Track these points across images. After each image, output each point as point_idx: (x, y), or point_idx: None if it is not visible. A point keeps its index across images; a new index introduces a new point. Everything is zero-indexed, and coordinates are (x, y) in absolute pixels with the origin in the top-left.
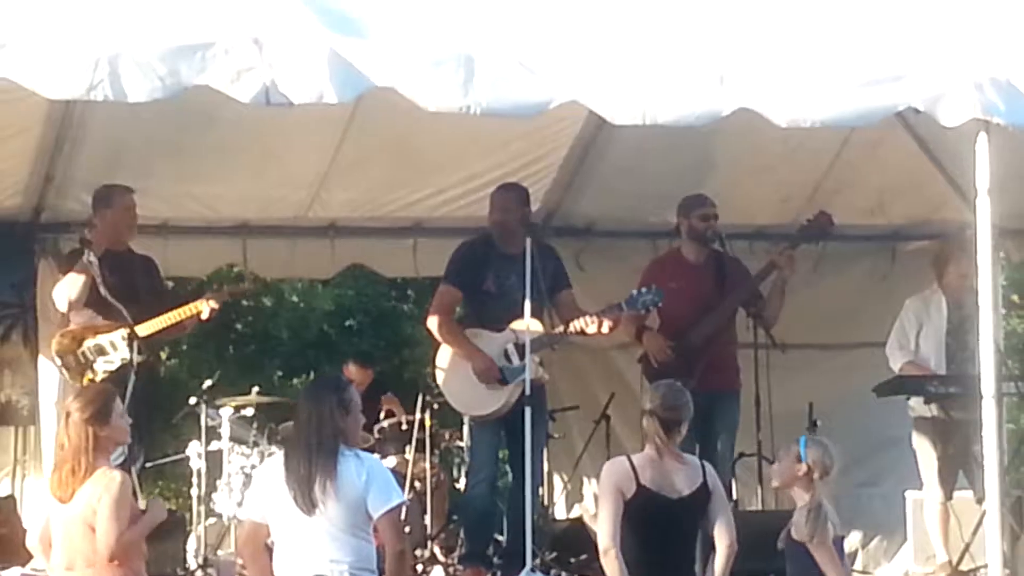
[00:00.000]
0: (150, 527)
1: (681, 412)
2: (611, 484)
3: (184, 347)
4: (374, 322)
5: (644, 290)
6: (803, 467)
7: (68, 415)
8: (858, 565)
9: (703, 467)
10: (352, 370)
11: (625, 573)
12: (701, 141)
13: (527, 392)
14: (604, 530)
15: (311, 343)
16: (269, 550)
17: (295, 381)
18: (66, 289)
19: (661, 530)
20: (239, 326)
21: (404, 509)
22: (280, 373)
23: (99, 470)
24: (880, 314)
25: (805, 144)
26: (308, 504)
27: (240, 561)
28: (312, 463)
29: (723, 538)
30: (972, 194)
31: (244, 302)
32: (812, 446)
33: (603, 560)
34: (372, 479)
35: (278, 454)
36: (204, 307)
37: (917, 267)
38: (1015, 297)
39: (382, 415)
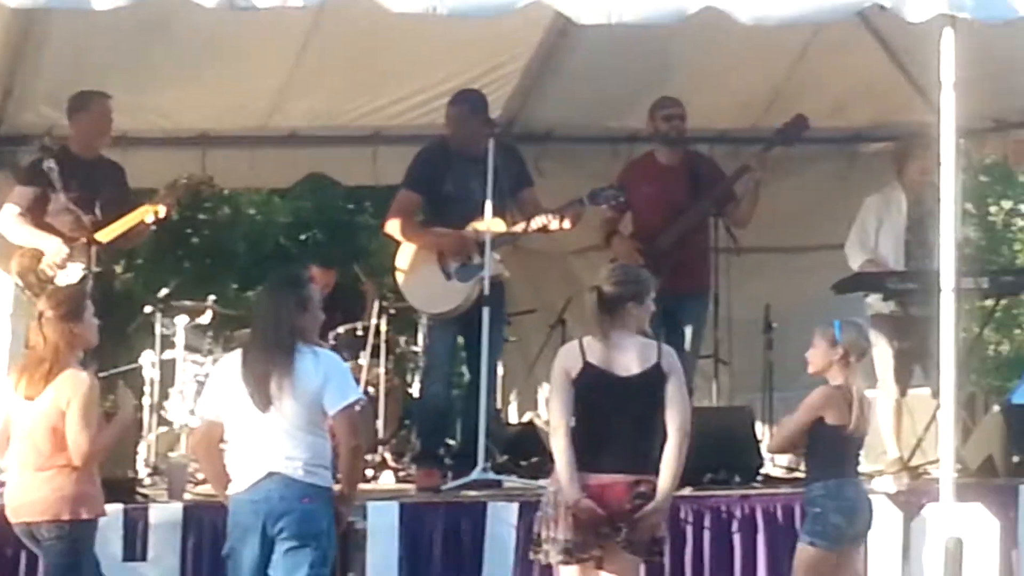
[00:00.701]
0: (122, 430)
1: (625, 288)
2: (560, 366)
3: (139, 261)
4: (331, 234)
5: (606, 186)
6: (839, 350)
7: (41, 315)
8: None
9: (660, 348)
10: (315, 273)
11: (569, 454)
12: (661, 45)
13: (486, 291)
14: (553, 411)
15: (268, 256)
16: (223, 451)
17: (250, 294)
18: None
19: (608, 408)
20: (195, 240)
21: (360, 406)
22: (236, 286)
23: (68, 371)
24: (838, 216)
25: (766, 47)
26: (264, 401)
27: (193, 464)
28: (269, 360)
29: (673, 421)
30: (934, 92)
31: (200, 216)
32: (847, 328)
33: (551, 440)
34: (330, 376)
35: (235, 352)
36: (153, 209)
37: (877, 169)
38: (969, 206)
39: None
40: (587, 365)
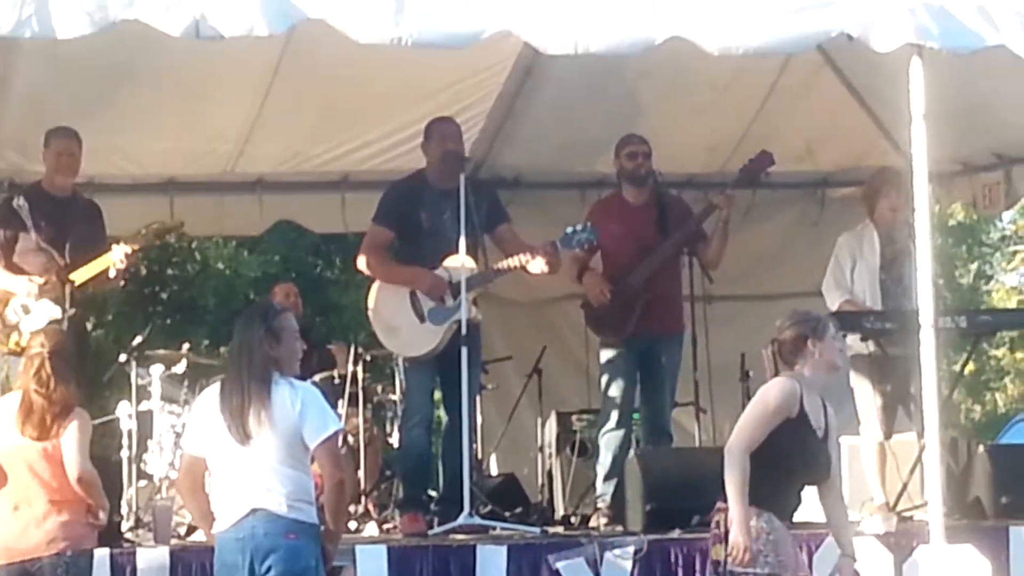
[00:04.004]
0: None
1: (800, 327)
2: (783, 401)
3: (109, 317)
4: (300, 289)
5: (579, 227)
6: None
7: (41, 357)
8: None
9: (827, 409)
10: (277, 290)
11: (742, 489)
12: (628, 88)
13: (463, 331)
14: (744, 435)
15: (238, 311)
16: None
17: (222, 350)
18: None
19: (800, 464)
20: (164, 295)
21: (341, 437)
22: (207, 342)
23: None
24: (810, 262)
25: (733, 88)
26: (242, 434)
27: (176, 517)
28: (244, 392)
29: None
30: (900, 133)
31: (169, 271)
32: None
33: (732, 461)
34: (307, 407)
35: (214, 385)
36: (117, 251)
37: (846, 213)
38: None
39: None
40: (802, 412)
